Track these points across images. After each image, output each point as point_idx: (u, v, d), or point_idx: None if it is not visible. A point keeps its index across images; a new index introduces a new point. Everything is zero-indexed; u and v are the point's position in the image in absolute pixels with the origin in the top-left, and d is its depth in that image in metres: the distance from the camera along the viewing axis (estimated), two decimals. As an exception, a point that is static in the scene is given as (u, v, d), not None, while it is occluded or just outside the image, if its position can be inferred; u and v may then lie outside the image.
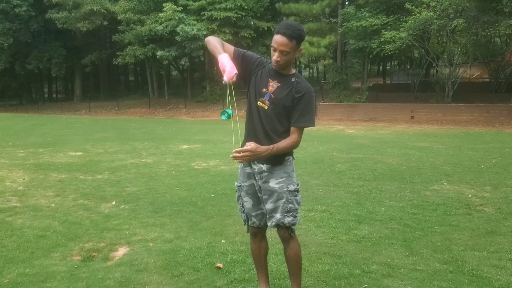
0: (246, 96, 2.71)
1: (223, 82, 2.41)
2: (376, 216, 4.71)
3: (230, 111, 2.52)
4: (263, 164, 2.63)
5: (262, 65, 2.68)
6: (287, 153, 2.66)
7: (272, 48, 2.53)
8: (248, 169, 2.72)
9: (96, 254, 3.72)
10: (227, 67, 2.41)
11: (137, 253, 3.73)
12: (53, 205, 5.30)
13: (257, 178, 2.68)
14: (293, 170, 2.70)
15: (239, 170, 2.82)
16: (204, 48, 25.42)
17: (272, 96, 2.60)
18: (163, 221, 4.60)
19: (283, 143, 2.56)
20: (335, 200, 5.36)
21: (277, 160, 2.62)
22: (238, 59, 2.61)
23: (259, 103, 2.62)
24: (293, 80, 2.62)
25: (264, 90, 2.61)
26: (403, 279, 3.17)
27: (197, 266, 3.41)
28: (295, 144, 2.60)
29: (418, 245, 3.84)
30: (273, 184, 2.62)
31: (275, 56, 2.53)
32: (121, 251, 3.80)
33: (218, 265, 3.41)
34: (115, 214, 4.91)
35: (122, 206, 5.23)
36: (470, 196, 5.54)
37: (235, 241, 3.95)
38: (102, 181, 6.73)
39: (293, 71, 2.66)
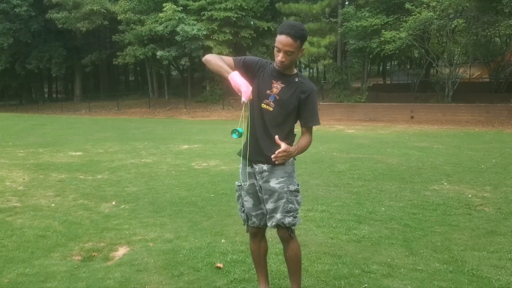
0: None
1: (242, 102, 2.40)
2: (376, 216, 4.71)
3: (241, 130, 2.51)
4: (264, 164, 2.63)
5: (263, 66, 2.67)
6: None
7: (276, 49, 2.52)
8: (249, 169, 2.72)
9: (96, 254, 3.72)
10: (243, 87, 2.39)
11: (137, 253, 3.73)
12: (53, 205, 5.30)
13: (257, 177, 2.68)
14: (293, 170, 2.70)
15: (240, 170, 2.81)
16: (204, 48, 25.45)
17: (277, 97, 2.59)
18: (163, 221, 4.60)
19: (303, 143, 2.64)
20: (335, 200, 5.36)
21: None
22: (240, 67, 2.60)
23: (263, 105, 2.61)
24: (296, 80, 2.62)
25: (268, 92, 2.60)
26: (403, 279, 3.17)
27: (197, 266, 3.41)
28: (311, 143, 2.69)
29: (418, 245, 3.85)
30: (273, 184, 2.62)
31: (279, 57, 2.52)
32: (121, 251, 3.80)
33: (218, 265, 3.41)
34: (115, 214, 4.91)
35: (122, 206, 5.23)
36: (470, 196, 5.55)
37: (235, 241, 3.96)
38: (102, 181, 6.73)
39: (295, 71, 2.66)
